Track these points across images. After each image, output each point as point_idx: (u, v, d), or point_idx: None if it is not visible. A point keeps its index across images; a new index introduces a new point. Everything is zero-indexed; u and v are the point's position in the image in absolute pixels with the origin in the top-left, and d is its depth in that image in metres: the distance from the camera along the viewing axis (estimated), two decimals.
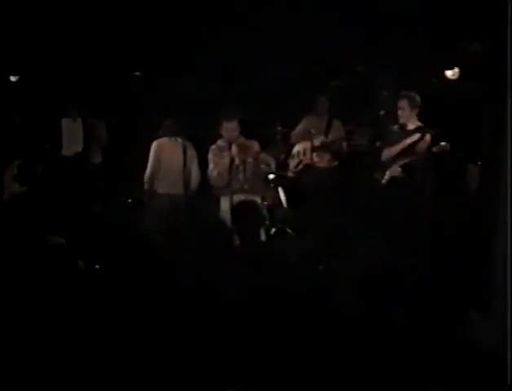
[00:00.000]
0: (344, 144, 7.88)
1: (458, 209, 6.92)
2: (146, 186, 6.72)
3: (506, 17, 3.90)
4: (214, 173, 6.39)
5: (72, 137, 8.30)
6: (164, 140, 6.76)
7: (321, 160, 7.80)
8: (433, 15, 6.79)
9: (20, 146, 7.40)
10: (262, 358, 3.18)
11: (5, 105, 7.67)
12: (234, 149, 6.31)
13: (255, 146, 6.51)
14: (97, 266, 4.21)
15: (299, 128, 7.95)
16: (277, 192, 7.12)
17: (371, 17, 6.97)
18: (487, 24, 4.62)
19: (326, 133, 7.85)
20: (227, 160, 6.32)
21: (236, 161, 6.32)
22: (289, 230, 5.99)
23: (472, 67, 7.40)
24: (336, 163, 7.86)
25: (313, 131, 7.75)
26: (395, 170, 6.50)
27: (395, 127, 6.65)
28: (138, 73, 9.08)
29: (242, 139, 6.43)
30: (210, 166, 6.45)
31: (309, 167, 7.79)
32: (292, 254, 4.64)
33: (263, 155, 6.76)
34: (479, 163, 6.74)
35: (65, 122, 8.36)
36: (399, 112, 6.57)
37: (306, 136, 7.81)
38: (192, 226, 6.58)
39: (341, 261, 4.76)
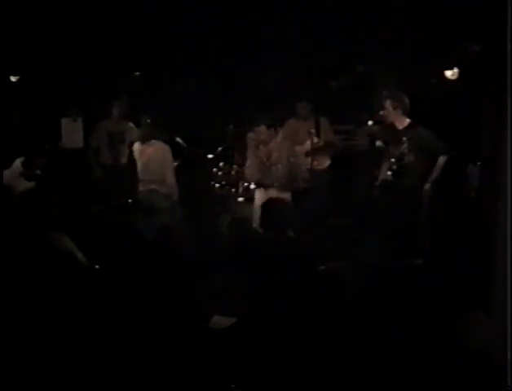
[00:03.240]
0: (336, 140, 7.87)
1: (458, 209, 6.93)
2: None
3: (506, 17, 3.90)
4: (248, 171, 6.75)
5: (72, 137, 8.30)
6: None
7: (319, 163, 7.73)
8: (433, 15, 6.79)
9: (21, 145, 7.40)
10: (262, 359, 3.19)
11: (5, 105, 7.66)
12: (264, 150, 6.53)
13: (289, 146, 6.74)
14: (97, 266, 4.21)
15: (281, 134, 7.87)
16: None
17: (371, 17, 6.97)
18: (487, 24, 4.61)
19: (317, 136, 7.77)
20: (259, 160, 6.56)
21: (273, 159, 6.52)
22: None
23: (472, 67, 7.40)
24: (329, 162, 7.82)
25: (312, 131, 7.66)
26: (385, 173, 6.51)
27: (382, 126, 6.71)
28: (138, 73, 9.08)
29: (279, 139, 6.63)
30: (247, 162, 6.80)
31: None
32: (292, 254, 4.64)
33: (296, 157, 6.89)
34: (479, 163, 6.75)
35: (65, 122, 8.36)
36: (385, 113, 6.61)
37: (300, 139, 7.67)
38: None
39: (341, 261, 4.77)
